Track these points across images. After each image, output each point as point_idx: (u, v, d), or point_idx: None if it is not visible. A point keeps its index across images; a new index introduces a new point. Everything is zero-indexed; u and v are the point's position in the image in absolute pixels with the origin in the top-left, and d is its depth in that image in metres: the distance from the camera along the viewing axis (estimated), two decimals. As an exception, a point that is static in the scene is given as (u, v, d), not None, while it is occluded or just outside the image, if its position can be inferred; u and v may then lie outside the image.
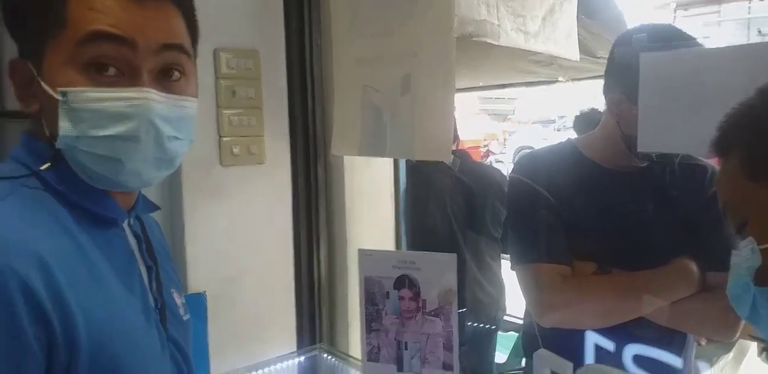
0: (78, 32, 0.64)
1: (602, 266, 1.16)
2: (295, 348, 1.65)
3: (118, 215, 0.73)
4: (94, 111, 0.64)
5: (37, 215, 0.63)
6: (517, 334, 2.20)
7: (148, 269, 0.77)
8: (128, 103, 0.65)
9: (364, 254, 1.34)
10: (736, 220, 0.62)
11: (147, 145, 0.67)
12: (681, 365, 1.17)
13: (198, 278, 1.50)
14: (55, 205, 0.66)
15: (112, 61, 0.65)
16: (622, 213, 1.17)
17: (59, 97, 0.64)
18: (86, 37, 0.64)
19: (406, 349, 1.32)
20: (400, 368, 1.32)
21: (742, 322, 1.15)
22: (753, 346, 2.03)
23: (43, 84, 0.65)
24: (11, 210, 0.62)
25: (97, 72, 0.65)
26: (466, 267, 1.96)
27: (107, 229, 0.72)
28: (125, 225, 0.76)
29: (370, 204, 1.79)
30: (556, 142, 1.33)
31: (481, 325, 2.01)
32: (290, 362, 1.55)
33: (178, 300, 0.85)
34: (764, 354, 1.16)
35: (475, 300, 2.00)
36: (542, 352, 1.10)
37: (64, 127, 0.64)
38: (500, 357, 2.19)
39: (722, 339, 1.53)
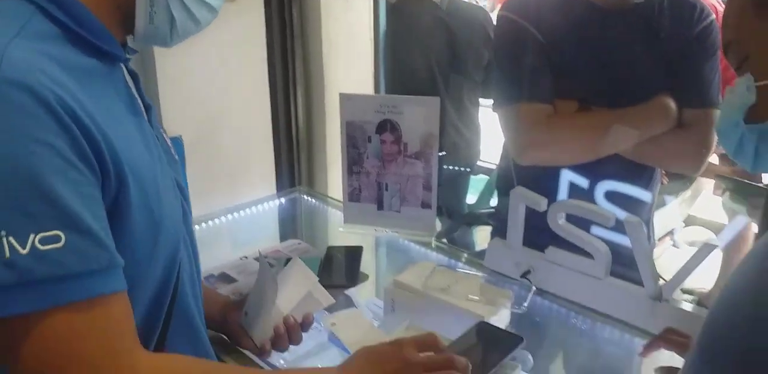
0: None
1: (584, 104, 1.17)
2: (275, 191, 1.69)
3: (121, 52, 0.70)
4: None
5: (48, 48, 0.60)
6: (488, 177, 2.29)
7: (147, 108, 0.76)
8: None
9: (345, 98, 1.31)
10: (738, 57, 0.61)
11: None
12: (649, 199, 1.24)
13: (173, 122, 1.46)
14: (64, 40, 0.63)
15: None
16: (608, 51, 1.15)
17: None
18: None
19: (387, 190, 1.36)
20: (380, 207, 1.37)
21: (708, 158, 1.21)
22: (710, 185, 2.18)
23: None
24: (26, 42, 0.58)
25: None
26: (445, 111, 1.95)
27: (112, 66, 0.69)
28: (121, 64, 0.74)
29: (349, 48, 1.71)
30: None
31: (456, 168, 2.07)
32: (270, 203, 1.60)
33: (168, 140, 0.84)
34: (727, 193, 1.22)
35: (452, 143, 2.03)
36: (519, 189, 1.15)
37: None
38: (471, 198, 2.30)
39: (689, 173, 1.62)
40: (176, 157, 0.84)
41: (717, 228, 2.35)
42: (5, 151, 0.51)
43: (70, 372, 0.52)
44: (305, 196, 1.64)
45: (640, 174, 1.25)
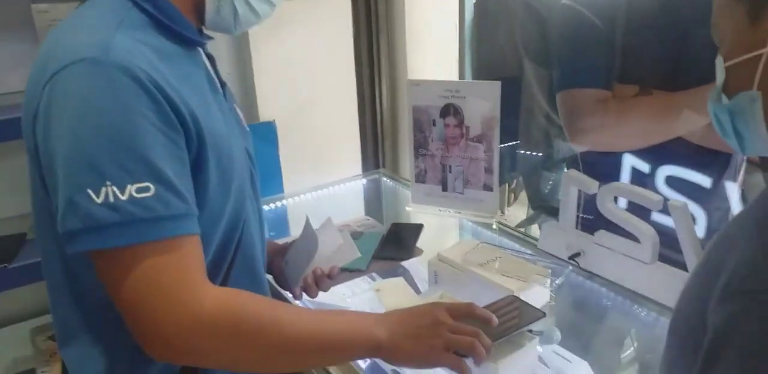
0: None
1: (644, 88, 1.15)
2: (360, 172, 1.81)
3: (198, 38, 0.85)
4: None
5: (143, 37, 0.75)
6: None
7: (222, 85, 0.90)
8: None
9: (411, 84, 1.39)
10: (717, 38, 0.62)
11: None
12: (709, 184, 1.18)
13: (268, 107, 1.63)
14: (154, 29, 0.77)
15: None
16: (668, 34, 1.12)
17: None
18: None
19: (451, 172, 1.42)
20: (444, 188, 1.44)
21: None
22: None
23: None
24: (127, 31, 0.72)
25: None
26: (535, 102, 1.95)
27: (192, 50, 0.84)
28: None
29: (433, 37, 1.78)
30: None
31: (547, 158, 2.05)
32: (353, 183, 1.72)
33: (240, 114, 0.98)
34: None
35: (544, 133, 2.01)
36: (571, 172, 1.16)
37: None
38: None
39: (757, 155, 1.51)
40: (247, 129, 0.97)
41: None
42: (113, 121, 0.66)
43: (150, 297, 0.66)
44: (385, 178, 1.74)
45: (710, 161, 1.20)
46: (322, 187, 1.68)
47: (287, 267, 1.02)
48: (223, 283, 0.84)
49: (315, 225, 1.05)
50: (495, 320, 0.82)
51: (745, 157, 1.30)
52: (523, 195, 2.16)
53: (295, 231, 1.55)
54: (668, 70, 1.15)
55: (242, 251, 0.87)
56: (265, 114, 1.63)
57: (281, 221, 1.62)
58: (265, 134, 1.61)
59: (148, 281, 0.66)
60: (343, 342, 0.74)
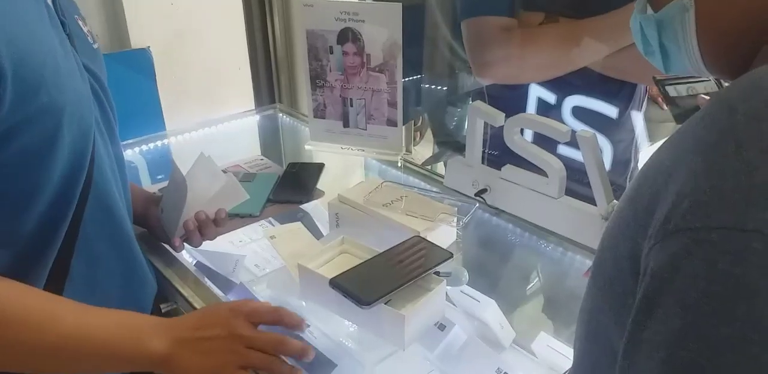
0: None
1: (550, 15, 1.07)
2: (253, 107, 1.65)
3: None
4: None
5: None
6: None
7: None
8: None
9: (304, 5, 1.24)
10: None
11: None
12: (615, 114, 1.16)
13: (140, 33, 1.42)
14: None
15: None
16: None
17: None
18: None
19: (352, 106, 1.31)
20: (346, 124, 1.33)
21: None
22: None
23: None
24: None
25: None
26: (439, 31, 1.84)
27: None
28: None
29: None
30: None
31: (451, 91, 1.98)
32: (246, 120, 1.56)
33: (85, 28, 0.80)
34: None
35: (448, 65, 1.93)
36: (476, 104, 1.09)
37: None
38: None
39: (683, 73, 1.53)
40: (95, 45, 0.81)
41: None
42: None
43: None
44: (281, 114, 1.60)
45: (616, 90, 1.17)
46: (210, 123, 1.51)
47: (163, 215, 0.89)
48: (72, 230, 0.70)
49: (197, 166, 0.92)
50: (303, 327, 0.71)
51: (647, 88, 1.28)
52: (429, 134, 2.09)
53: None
54: None
55: (96, 189, 0.72)
56: (138, 40, 1.42)
57: (165, 162, 1.45)
58: (139, 63, 1.41)
59: None
60: (107, 352, 0.63)
